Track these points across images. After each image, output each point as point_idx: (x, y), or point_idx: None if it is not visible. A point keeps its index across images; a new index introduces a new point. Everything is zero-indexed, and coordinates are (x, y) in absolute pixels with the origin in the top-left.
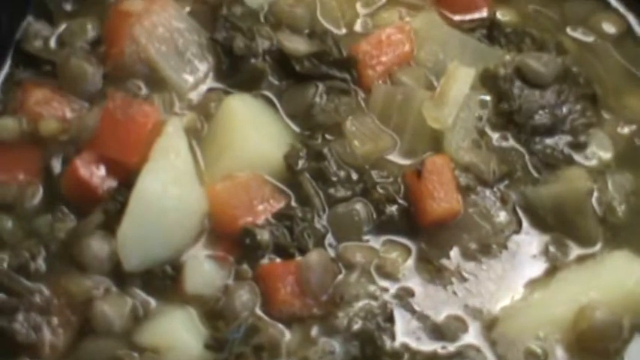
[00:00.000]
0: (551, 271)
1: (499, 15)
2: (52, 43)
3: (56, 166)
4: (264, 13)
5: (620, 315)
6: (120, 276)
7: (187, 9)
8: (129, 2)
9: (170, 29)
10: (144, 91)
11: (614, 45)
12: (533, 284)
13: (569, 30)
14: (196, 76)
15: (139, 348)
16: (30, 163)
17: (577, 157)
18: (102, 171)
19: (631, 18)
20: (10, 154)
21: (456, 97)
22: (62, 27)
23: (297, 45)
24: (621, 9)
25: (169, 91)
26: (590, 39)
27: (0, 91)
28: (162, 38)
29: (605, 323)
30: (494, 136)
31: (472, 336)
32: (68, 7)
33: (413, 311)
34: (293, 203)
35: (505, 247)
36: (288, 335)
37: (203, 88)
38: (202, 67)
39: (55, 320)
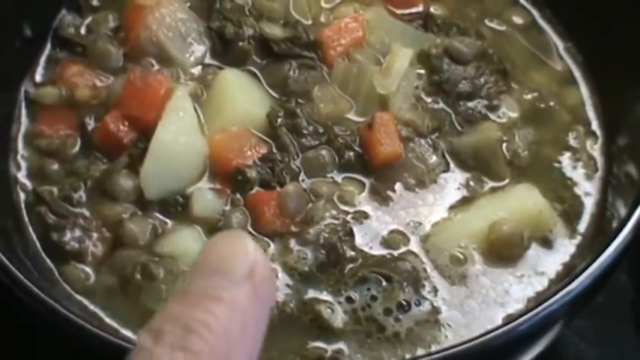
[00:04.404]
0: (470, 199)
1: (432, 9)
2: (82, 31)
3: (90, 123)
4: (248, 7)
5: (521, 229)
6: (142, 203)
7: (188, 4)
8: None
9: (175, 19)
10: (156, 66)
11: (521, 33)
12: (456, 208)
13: (487, 21)
14: (196, 55)
15: (159, 255)
16: (69, 121)
17: (491, 116)
18: (126, 126)
19: (535, 12)
20: (53, 115)
21: (398, 70)
22: (89, 18)
23: (274, 31)
24: (527, 5)
25: (175, 67)
26: (503, 28)
27: (43, 67)
28: (169, 26)
29: (510, 235)
30: (428, 100)
31: (411, 246)
32: (94, 2)
33: (366, 228)
34: (274, 150)
35: (436, 182)
36: (272, 246)
37: (201, 64)
38: (201, 48)
39: (94, 236)
